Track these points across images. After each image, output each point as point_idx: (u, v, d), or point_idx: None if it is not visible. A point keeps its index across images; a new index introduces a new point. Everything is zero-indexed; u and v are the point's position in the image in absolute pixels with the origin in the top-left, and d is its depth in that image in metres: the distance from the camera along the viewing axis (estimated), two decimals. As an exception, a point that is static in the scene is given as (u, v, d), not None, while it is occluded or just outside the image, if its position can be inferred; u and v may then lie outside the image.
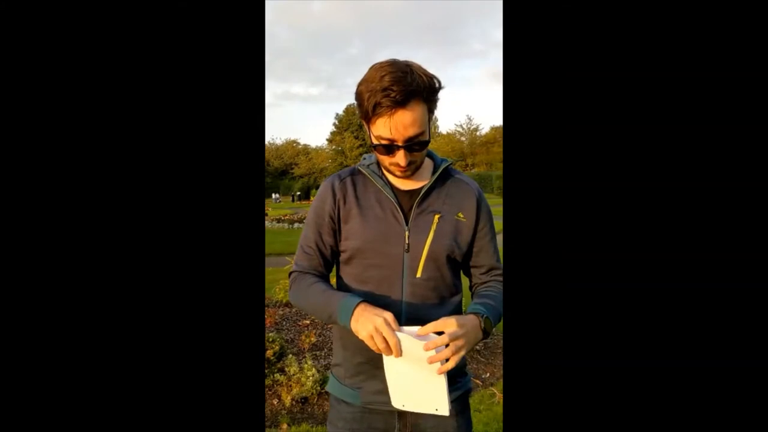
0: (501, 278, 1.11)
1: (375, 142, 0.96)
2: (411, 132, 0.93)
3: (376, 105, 0.90)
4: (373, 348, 0.89)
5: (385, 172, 1.06)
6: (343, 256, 1.06)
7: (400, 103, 0.90)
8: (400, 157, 0.96)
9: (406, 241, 1.01)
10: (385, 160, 0.99)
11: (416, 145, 0.95)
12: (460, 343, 0.89)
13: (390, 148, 0.95)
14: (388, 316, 0.89)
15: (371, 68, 0.96)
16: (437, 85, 0.96)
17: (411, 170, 1.01)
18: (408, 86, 0.89)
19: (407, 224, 1.02)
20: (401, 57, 0.98)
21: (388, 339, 0.86)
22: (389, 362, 0.93)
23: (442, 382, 0.90)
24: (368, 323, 0.88)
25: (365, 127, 1.01)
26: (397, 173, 1.01)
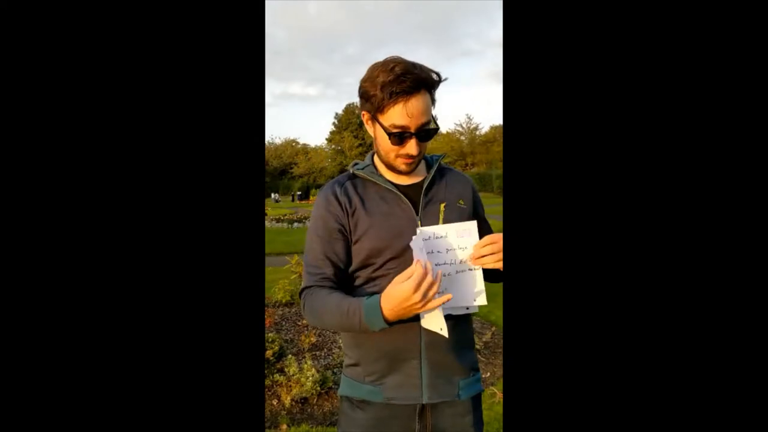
0: None
1: (389, 131, 0.98)
2: (423, 119, 0.98)
3: (392, 93, 0.94)
4: (422, 292, 0.86)
5: (383, 172, 1.08)
6: (356, 260, 1.05)
7: (414, 89, 0.95)
8: (412, 146, 0.99)
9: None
10: (394, 152, 1.01)
11: (426, 133, 1.00)
12: (499, 244, 0.97)
13: (402, 138, 0.98)
14: (408, 272, 0.88)
15: (375, 66, 0.99)
16: (438, 78, 1.01)
17: (416, 162, 1.04)
18: (418, 75, 0.95)
19: (418, 214, 1.04)
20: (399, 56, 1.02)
21: (425, 284, 0.86)
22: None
23: (479, 276, 1.00)
24: (404, 295, 0.86)
25: (369, 124, 1.04)
26: (403, 167, 1.03)
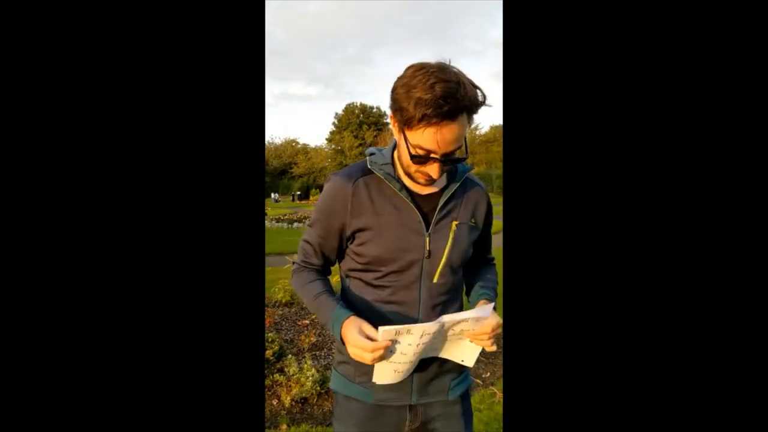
0: (493, 262, 1.22)
1: (412, 151, 0.91)
2: (452, 146, 0.90)
3: (425, 116, 0.85)
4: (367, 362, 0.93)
5: (402, 175, 1.01)
6: (359, 260, 1.03)
7: (449, 117, 0.85)
8: (434, 170, 0.93)
9: (427, 248, 0.99)
10: (413, 167, 0.95)
11: (452, 159, 0.93)
12: (499, 329, 0.98)
13: (425, 159, 0.91)
14: (365, 330, 0.92)
15: (415, 72, 0.88)
16: (482, 99, 0.91)
17: (434, 180, 0.98)
18: (459, 101, 0.85)
19: (428, 230, 1.00)
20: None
21: (372, 353, 0.89)
22: (420, 342, 0.94)
23: (477, 348, 1.02)
24: (350, 347, 0.92)
25: (395, 128, 0.96)
26: (421, 181, 0.97)
